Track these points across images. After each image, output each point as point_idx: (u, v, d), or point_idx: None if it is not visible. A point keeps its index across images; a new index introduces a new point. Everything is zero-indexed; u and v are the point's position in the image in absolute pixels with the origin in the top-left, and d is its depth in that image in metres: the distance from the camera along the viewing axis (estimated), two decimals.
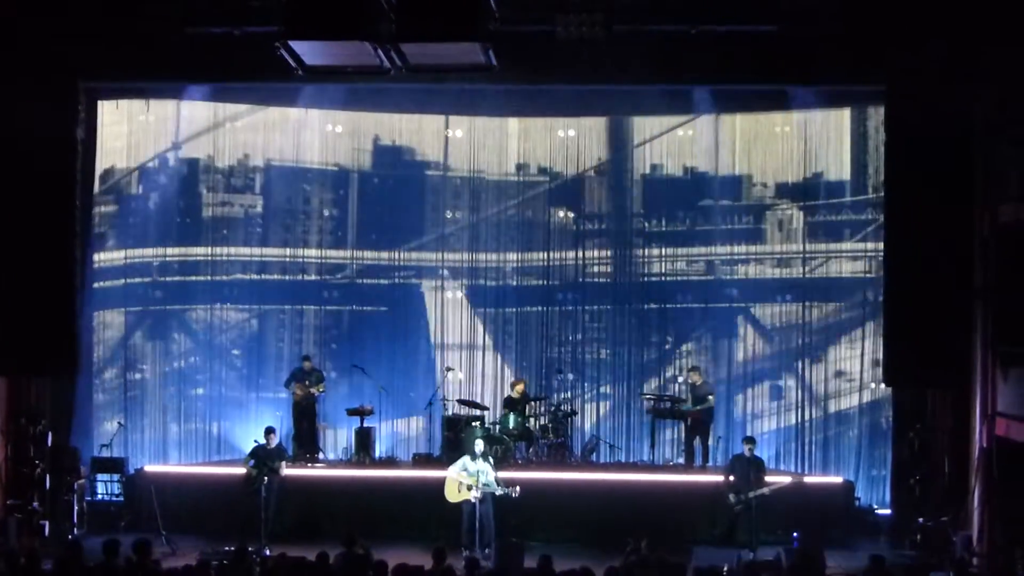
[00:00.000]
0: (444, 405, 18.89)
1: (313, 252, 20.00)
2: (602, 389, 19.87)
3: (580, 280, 19.86)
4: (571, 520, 16.76)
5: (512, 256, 20.00)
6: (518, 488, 15.71)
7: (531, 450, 18.32)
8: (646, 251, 19.70)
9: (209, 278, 19.66)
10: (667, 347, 19.80)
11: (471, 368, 20.03)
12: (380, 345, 19.88)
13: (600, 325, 19.89)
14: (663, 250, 19.68)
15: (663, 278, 19.66)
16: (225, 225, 19.85)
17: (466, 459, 16.08)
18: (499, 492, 15.73)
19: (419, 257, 20.13)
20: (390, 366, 19.77)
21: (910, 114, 16.10)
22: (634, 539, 13.61)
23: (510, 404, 18.51)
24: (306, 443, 18.51)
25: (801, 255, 19.13)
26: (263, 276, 19.88)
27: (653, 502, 16.84)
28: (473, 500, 15.71)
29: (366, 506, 16.95)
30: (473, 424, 18.12)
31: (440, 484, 16.13)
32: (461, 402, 18.96)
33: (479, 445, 16.24)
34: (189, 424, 19.56)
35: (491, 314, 20.05)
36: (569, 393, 19.52)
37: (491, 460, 16.20)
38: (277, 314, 20.01)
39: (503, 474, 16.26)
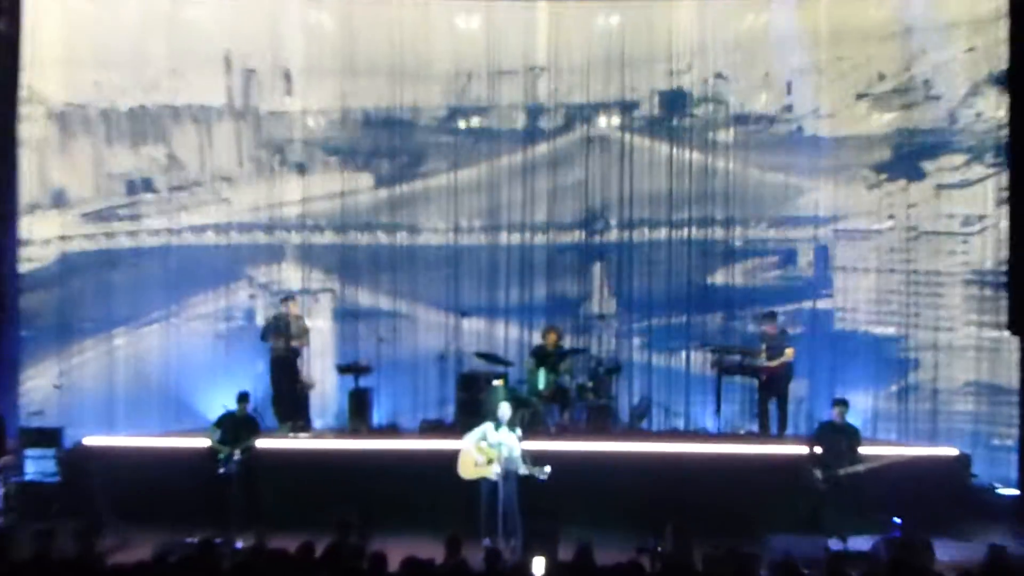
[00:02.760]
0: (459, 359, 18.90)
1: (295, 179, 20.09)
2: (655, 339, 19.80)
3: (627, 204, 19.72)
4: (616, 502, 16.67)
5: (542, 178, 19.86)
6: (548, 468, 15.62)
7: (566, 415, 18.29)
8: (710, 162, 19.57)
9: (167, 194, 19.82)
10: (735, 287, 19.70)
11: (492, 313, 20.00)
12: (379, 284, 19.96)
13: (653, 259, 19.80)
14: (730, 163, 19.52)
15: (729, 202, 19.53)
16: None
17: (487, 427, 16.00)
18: (524, 471, 15.70)
19: (427, 186, 20.09)
20: (391, 310, 19.83)
21: None
22: (654, 532, 13.57)
23: (541, 358, 18.45)
24: (288, 408, 18.53)
25: (902, 183, 19.07)
26: (232, 199, 19.98)
27: (718, 480, 16.76)
28: (494, 478, 15.67)
29: (362, 485, 16.90)
30: (495, 383, 18.09)
31: (453, 458, 16.12)
32: (480, 356, 18.93)
33: (503, 410, 16.16)
34: (142, 386, 19.64)
35: (516, 248, 19.99)
36: (614, 344, 19.42)
37: (518, 430, 16.14)
38: (252, 245, 20.07)
39: (532, 446, 16.20)
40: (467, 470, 15.95)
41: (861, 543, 14.85)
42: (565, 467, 15.98)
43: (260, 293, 20.11)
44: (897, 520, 15.41)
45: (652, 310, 19.81)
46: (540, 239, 20.05)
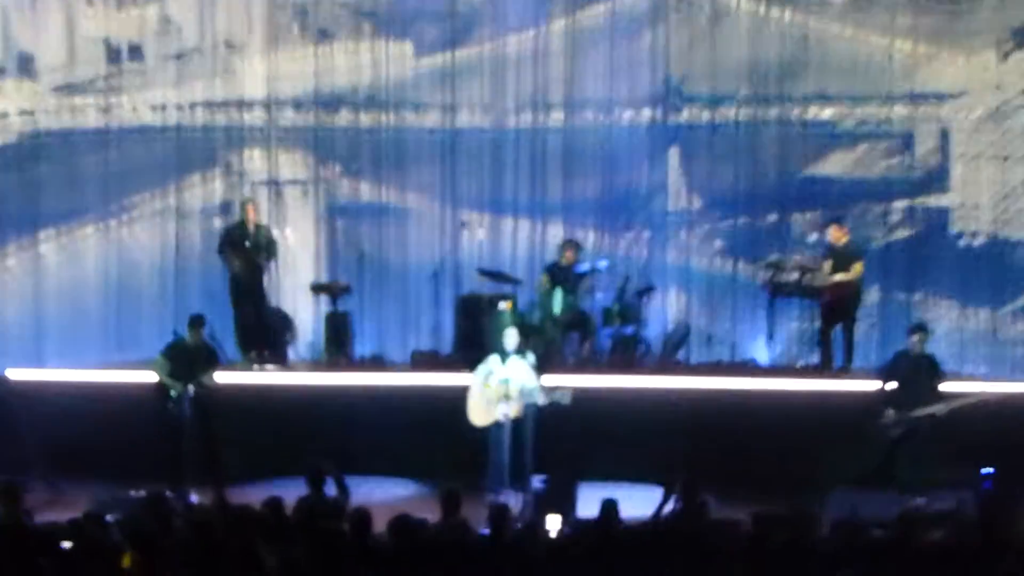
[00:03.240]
0: (457, 277, 18.91)
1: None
2: (694, 252, 19.84)
3: (708, 76, 19.70)
4: (646, 449, 16.64)
5: (603, 45, 19.78)
6: (570, 391, 15.65)
7: (587, 344, 18.29)
8: (813, 25, 19.49)
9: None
10: (838, 178, 19.71)
11: (496, 222, 20.03)
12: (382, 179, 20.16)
13: (738, 144, 19.79)
14: (834, 27, 19.45)
15: (833, 75, 19.51)
16: None
17: (492, 360, 16.00)
18: (543, 401, 15.68)
19: (419, 63, 20.05)
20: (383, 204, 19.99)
21: None
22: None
23: (557, 276, 18.44)
24: (252, 335, 18.55)
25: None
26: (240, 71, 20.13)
27: (770, 423, 16.80)
28: (503, 419, 15.68)
29: (342, 428, 16.96)
30: (501, 307, 18.07)
31: (452, 396, 16.10)
32: (483, 273, 18.93)
33: (509, 337, 16.15)
34: (76, 309, 19.67)
35: (527, 137, 19.97)
36: (646, 257, 19.39)
37: (530, 355, 16.11)
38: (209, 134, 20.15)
39: (546, 380, 16.20)
40: (479, 416, 15.93)
41: (943, 499, 14.84)
42: (585, 407, 15.95)
43: (237, 185, 20.17)
44: (987, 471, 15.42)
45: (733, 208, 19.74)
46: (592, 120, 19.92)
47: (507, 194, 19.96)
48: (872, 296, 18.90)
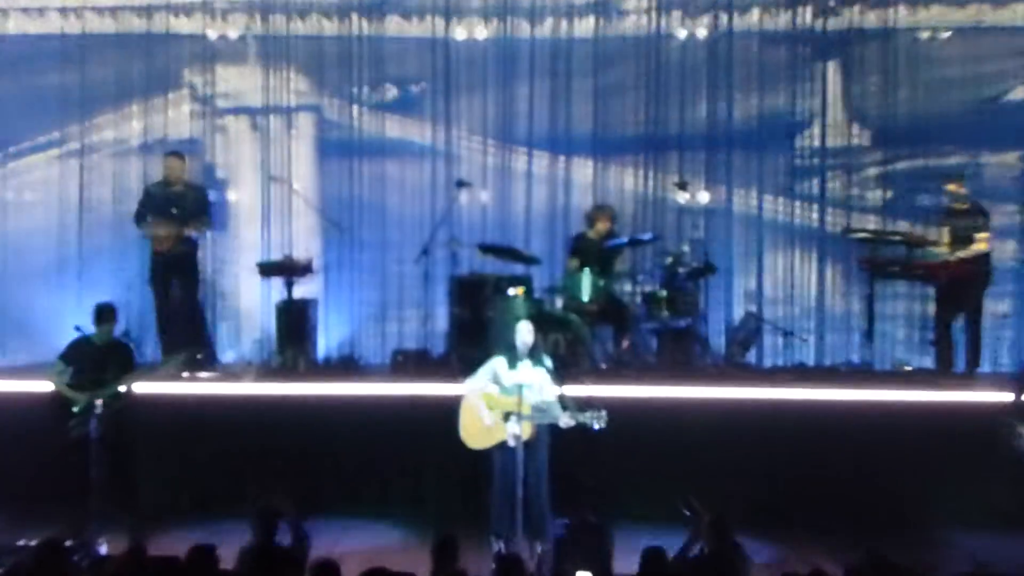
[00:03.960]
0: (454, 254, 18.88)
1: None
2: (767, 214, 19.93)
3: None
4: (703, 479, 16.60)
5: None
6: (604, 413, 15.55)
7: (626, 342, 18.25)
8: None
9: None
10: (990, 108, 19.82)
11: (504, 182, 20.06)
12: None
13: (763, 82, 20.05)
14: None
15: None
16: None
17: (497, 364, 15.91)
18: (565, 422, 15.57)
19: None
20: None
21: None
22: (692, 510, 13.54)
23: (585, 252, 18.39)
24: (180, 331, 18.48)
25: None
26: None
27: (869, 445, 16.73)
28: (512, 442, 15.59)
29: (300, 453, 17.00)
30: (511, 292, 18.02)
31: (448, 411, 16.00)
32: (486, 249, 18.89)
33: (523, 333, 16.05)
34: None
35: (541, 79, 20.17)
36: (702, 231, 19.37)
37: (547, 362, 16.04)
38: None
39: (573, 389, 16.13)
40: (475, 435, 15.81)
41: None
42: (622, 426, 15.81)
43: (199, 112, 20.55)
44: None
45: (896, 146, 19.99)
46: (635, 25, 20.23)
47: (520, 123, 20.12)
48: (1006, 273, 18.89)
